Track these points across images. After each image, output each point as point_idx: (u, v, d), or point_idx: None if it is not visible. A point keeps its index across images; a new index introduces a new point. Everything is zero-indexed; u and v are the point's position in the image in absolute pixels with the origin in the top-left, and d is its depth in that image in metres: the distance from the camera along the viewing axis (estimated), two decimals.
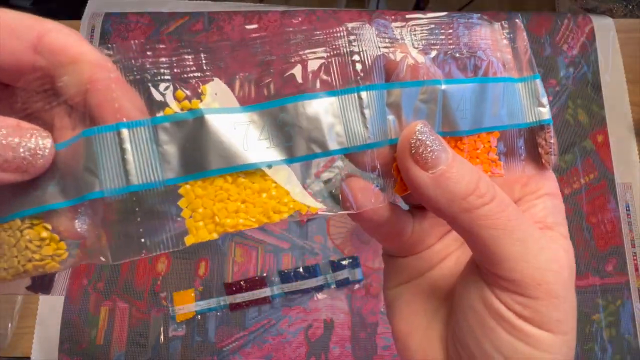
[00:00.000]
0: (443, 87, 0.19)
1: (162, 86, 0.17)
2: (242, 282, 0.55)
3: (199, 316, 0.55)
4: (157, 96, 0.17)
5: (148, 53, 0.17)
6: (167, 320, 0.55)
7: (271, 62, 0.18)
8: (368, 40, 0.19)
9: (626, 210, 0.59)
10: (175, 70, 0.17)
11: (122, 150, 0.16)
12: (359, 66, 0.18)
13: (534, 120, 0.21)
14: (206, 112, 0.17)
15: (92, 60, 0.17)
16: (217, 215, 0.17)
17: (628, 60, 0.64)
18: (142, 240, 0.17)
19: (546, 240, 0.19)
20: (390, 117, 0.19)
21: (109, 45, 0.17)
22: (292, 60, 0.18)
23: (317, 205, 0.18)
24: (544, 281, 0.19)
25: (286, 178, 0.18)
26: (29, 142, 0.16)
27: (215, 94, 0.17)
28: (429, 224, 0.23)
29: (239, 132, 0.17)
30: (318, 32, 0.18)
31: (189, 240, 0.17)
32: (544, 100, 0.21)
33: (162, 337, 0.54)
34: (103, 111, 0.17)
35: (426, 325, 0.23)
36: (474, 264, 0.21)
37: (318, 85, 0.18)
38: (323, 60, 0.18)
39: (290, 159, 0.18)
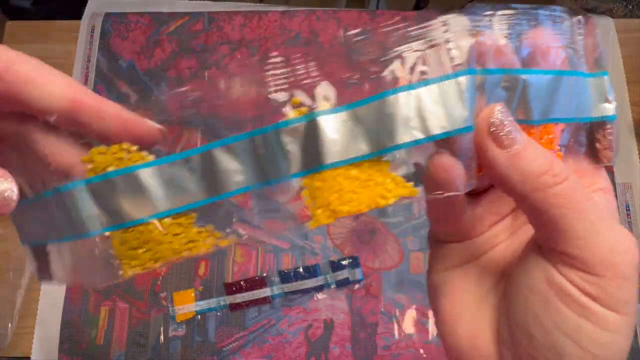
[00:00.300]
0: (524, 76, 0.20)
1: (281, 95, 0.20)
2: (242, 282, 0.55)
3: (199, 316, 0.55)
4: (277, 104, 0.20)
5: (265, 67, 0.20)
6: (167, 320, 0.55)
7: (372, 61, 0.20)
8: (460, 29, 0.20)
9: (626, 210, 0.59)
10: (290, 79, 0.20)
11: (257, 155, 0.20)
12: (454, 53, 0.20)
13: (598, 115, 0.22)
14: (318, 115, 0.19)
15: (65, 84, 0.19)
16: (332, 204, 0.20)
17: (628, 61, 0.64)
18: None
19: (613, 224, 0.20)
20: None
21: (227, 65, 0.20)
22: (391, 56, 0.20)
23: (416, 189, 0.20)
24: (614, 261, 0.19)
25: (390, 166, 0.20)
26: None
27: (324, 96, 0.20)
28: (481, 211, 0.24)
29: (347, 128, 0.19)
30: (412, 28, 0.20)
31: (312, 225, 0.20)
32: (611, 97, 0.22)
33: (162, 337, 0.54)
34: (103, 125, 0.19)
35: (475, 309, 0.23)
36: (535, 244, 0.21)
37: (418, 76, 0.20)
38: (420, 52, 0.20)
39: (394, 147, 0.19)
